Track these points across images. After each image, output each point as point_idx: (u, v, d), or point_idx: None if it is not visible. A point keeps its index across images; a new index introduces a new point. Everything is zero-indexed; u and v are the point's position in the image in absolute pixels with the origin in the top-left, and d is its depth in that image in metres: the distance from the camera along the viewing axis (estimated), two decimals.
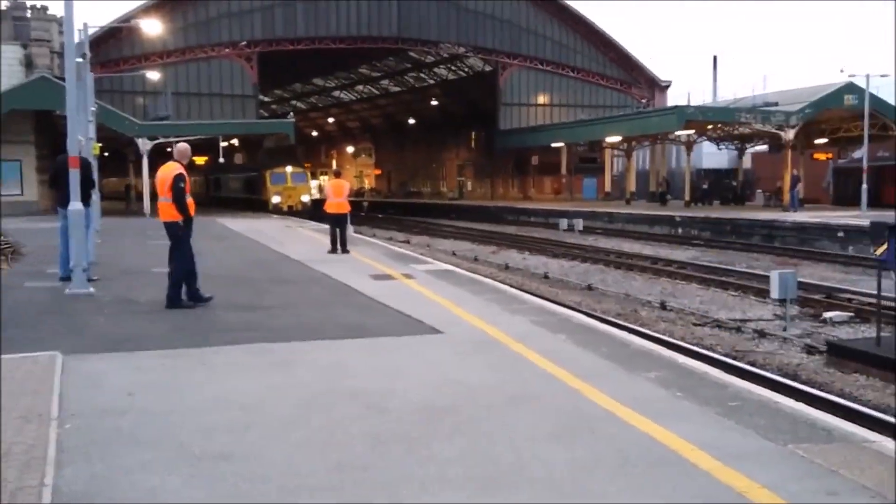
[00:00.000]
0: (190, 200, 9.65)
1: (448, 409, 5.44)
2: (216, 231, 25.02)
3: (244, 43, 46.49)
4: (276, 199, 42.27)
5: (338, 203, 17.46)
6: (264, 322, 8.76)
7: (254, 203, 44.13)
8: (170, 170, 9.53)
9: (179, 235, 9.66)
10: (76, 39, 15.88)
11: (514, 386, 6.06)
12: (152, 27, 33.04)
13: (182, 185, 9.43)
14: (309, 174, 46.84)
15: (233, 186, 51.32)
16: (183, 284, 9.64)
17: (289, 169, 44.34)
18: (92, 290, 10.78)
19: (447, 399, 5.68)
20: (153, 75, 38.88)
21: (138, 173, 39.85)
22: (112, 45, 43.28)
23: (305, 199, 43.08)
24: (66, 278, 11.22)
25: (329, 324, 8.67)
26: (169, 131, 38.24)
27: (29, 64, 37.48)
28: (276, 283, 12.09)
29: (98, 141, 24.75)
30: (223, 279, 12.56)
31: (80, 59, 19.55)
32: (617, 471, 4.34)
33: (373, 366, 6.72)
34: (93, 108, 23.78)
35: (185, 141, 40.37)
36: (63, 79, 15.45)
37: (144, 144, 36.16)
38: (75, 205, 11.07)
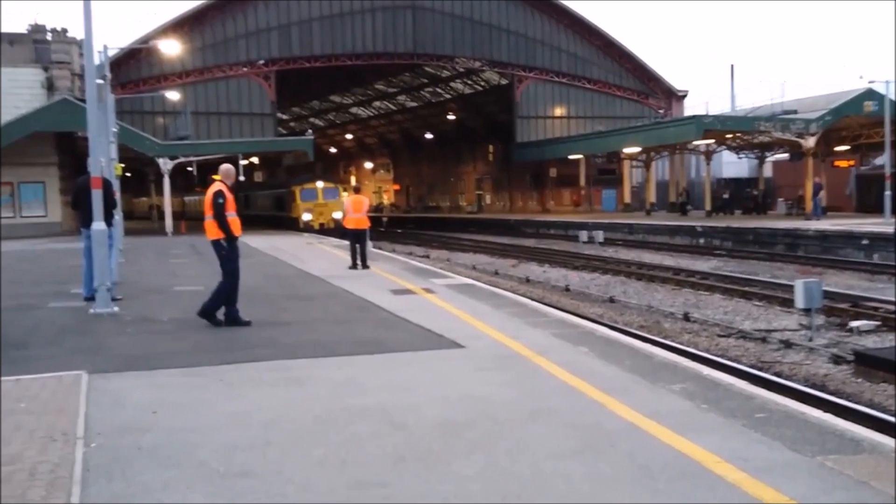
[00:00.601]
0: (233, 218, 9.60)
1: (469, 424, 5.40)
2: None
3: (262, 62, 46.94)
4: (306, 217, 39.97)
5: (357, 219, 17.53)
6: (284, 338, 8.77)
7: (283, 221, 42.34)
8: (212, 189, 9.63)
9: (223, 254, 9.67)
10: (96, 61, 16.10)
11: (535, 400, 6.01)
12: (171, 48, 33.47)
13: (221, 201, 9.46)
14: (341, 189, 42.62)
15: (261, 204, 49.28)
16: (224, 303, 9.60)
17: (320, 184, 41.86)
18: (115, 309, 10.87)
19: (468, 414, 5.64)
20: (173, 95, 39.34)
21: (160, 192, 40.23)
22: (132, 66, 43.86)
23: (338, 216, 39.08)
24: (91, 298, 11.31)
25: (349, 339, 8.66)
26: (189, 150, 38.66)
27: (50, 86, 38.07)
28: (296, 300, 12.12)
29: (120, 161, 25.03)
30: (243, 296, 12.56)
31: (101, 81, 19.80)
32: (640, 484, 4.28)
33: (392, 381, 6.70)
34: (114, 129, 24.05)
35: (206, 159, 40.22)
36: (84, 100, 15.64)
37: (165, 164, 36.55)
38: (98, 224, 11.18)
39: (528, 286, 20.68)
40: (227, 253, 9.68)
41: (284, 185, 45.27)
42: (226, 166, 10.01)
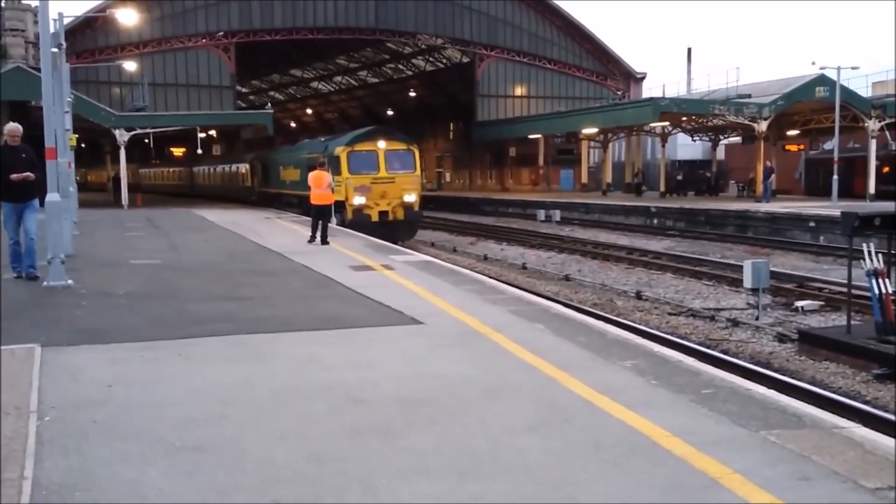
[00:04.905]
0: None
1: (426, 399, 5.48)
2: (194, 223, 24.87)
3: (221, 33, 46.08)
4: (358, 201, 24.24)
5: (321, 194, 17.71)
6: (242, 313, 8.74)
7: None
8: None
9: None
10: (51, 29, 15.68)
11: (491, 376, 6.12)
12: (128, 17, 32.73)
13: None
14: (418, 156, 26.00)
15: (288, 178, 32.31)
16: None
17: (382, 144, 24.90)
18: (70, 281, 10.70)
19: (425, 390, 5.72)
20: (130, 66, 38.45)
21: (115, 164, 39.39)
22: (88, 35, 42.73)
23: (411, 198, 24.83)
24: (19, 276, 11.05)
25: (308, 315, 8.67)
26: (146, 122, 37.92)
27: (3, 54, 36.99)
28: (255, 275, 12.05)
29: (74, 132, 24.46)
30: (201, 271, 12.52)
31: (56, 49, 19.26)
32: (591, 458, 4.41)
33: (351, 357, 6.74)
34: (69, 99, 23.47)
35: (163, 131, 38.82)
36: (38, 69, 15.25)
37: (122, 135, 35.81)
38: (52, 196, 10.93)
39: (486, 264, 20.84)
40: None
41: (324, 147, 27.54)
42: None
